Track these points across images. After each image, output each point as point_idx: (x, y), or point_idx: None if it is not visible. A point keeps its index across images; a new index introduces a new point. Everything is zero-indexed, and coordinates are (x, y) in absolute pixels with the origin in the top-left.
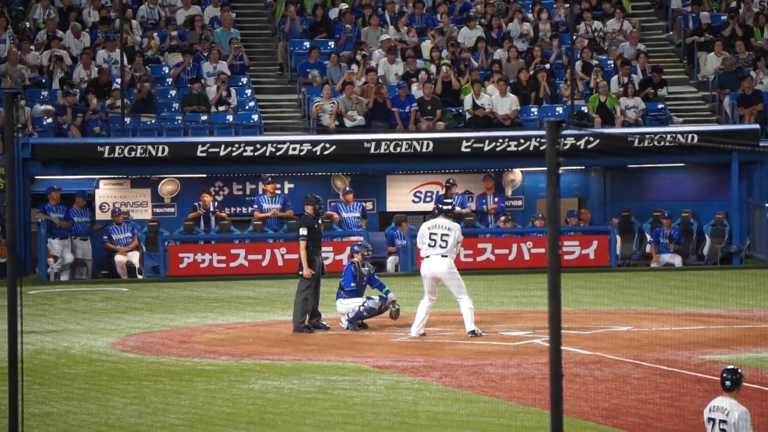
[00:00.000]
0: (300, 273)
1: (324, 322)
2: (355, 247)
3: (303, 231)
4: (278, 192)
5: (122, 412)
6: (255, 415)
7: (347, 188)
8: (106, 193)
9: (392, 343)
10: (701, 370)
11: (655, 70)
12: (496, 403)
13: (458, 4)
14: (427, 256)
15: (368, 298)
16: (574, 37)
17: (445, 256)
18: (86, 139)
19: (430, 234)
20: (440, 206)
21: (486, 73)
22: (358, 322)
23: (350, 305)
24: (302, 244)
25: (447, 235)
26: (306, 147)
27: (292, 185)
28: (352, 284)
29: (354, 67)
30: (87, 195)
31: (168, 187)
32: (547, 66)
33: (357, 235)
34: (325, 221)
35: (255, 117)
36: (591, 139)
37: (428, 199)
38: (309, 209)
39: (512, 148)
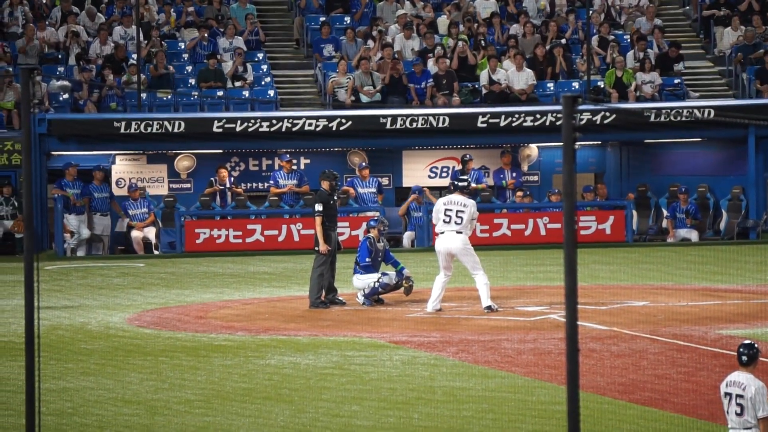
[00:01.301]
0: (316, 249)
1: (340, 298)
2: (372, 222)
3: (318, 207)
4: (294, 168)
5: (138, 387)
6: (271, 391)
7: (363, 164)
8: (123, 168)
9: (408, 319)
10: (718, 345)
11: (673, 45)
12: (513, 378)
13: None
14: (442, 232)
15: (383, 274)
16: (591, 11)
17: (460, 233)
18: (102, 114)
19: (446, 210)
20: (456, 183)
21: (502, 48)
22: (374, 297)
23: (366, 281)
24: (318, 219)
25: (462, 211)
26: (322, 122)
27: (308, 161)
28: (367, 259)
29: (370, 42)
30: (103, 170)
31: (184, 162)
32: (563, 41)
33: (373, 210)
34: (341, 197)
35: (271, 92)
36: (607, 114)
37: (444, 174)
38: (325, 185)
39: (528, 124)
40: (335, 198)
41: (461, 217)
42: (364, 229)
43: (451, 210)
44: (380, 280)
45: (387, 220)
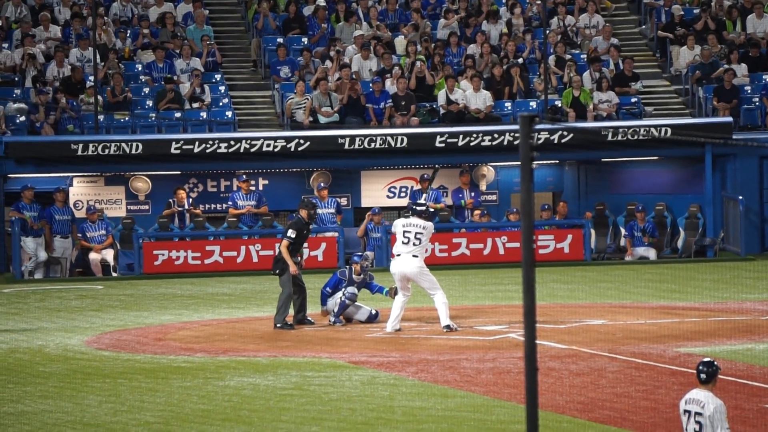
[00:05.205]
0: (276, 272)
1: (309, 318)
2: (355, 258)
3: (291, 233)
4: (252, 188)
5: (97, 410)
6: (231, 412)
7: (322, 184)
8: (80, 190)
9: (368, 339)
10: (676, 363)
11: (626, 59)
12: (472, 397)
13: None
14: (398, 255)
15: (346, 288)
16: (547, 31)
17: (416, 256)
18: (60, 137)
19: (404, 231)
20: (414, 207)
21: (459, 68)
22: (344, 315)
23: (335, 298)
24: (285, 243)
25: (421, 233)
26: (280, 143)
27: (266, 182)
28: (328, 289)
29: (328, 63)
30: (63, 192)
31: (137, 184)
32: (521, 61)
33: (332, 231)
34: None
35: (229, 114)
36: (565, 133)
37: (403, 194)
38: (303, 213)
39: (486, 143)
40: (310, 228)
41: (419, 239)
42: (351, 261)
43: (410, 232)
44: (345, 293)
45: (346, 240)
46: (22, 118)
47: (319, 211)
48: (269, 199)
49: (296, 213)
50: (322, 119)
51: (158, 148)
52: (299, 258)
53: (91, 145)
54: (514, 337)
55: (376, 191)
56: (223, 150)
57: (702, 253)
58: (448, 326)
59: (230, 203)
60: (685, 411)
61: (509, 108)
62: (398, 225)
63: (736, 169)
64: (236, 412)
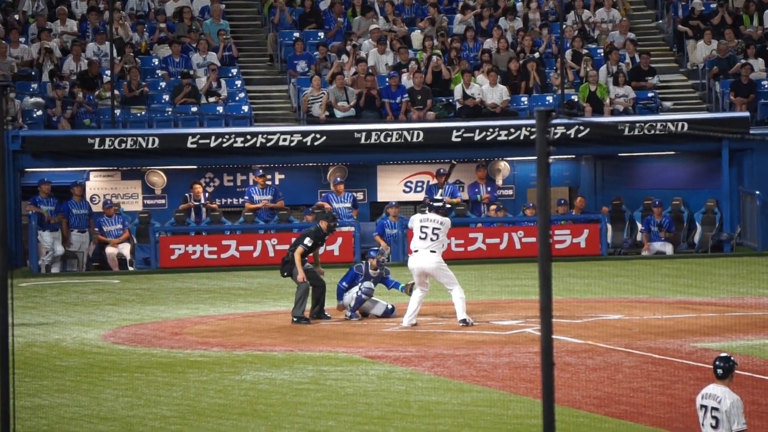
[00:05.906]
0: (284, 275)
1: (327, 313)
2: (372, 253)
3: (308, 242)
4: (269, 183)
5: (114, 404)
6: (247, 406)
7: (338, 179)
8: (97, 185)
9: (384, 333)
10: (693, 358)
11: (643, 53)
12: (488, 392)
13: None
14: (416, 251)
15: (362, 282)
16: (564, 26)
17: (434, 252)
18: (76, 131)
19: (422, 227)
20: (431, 203)
21: (476, 62)
22: (360, 310)
23: (350, 294)
24: (300, 250)
25: (438, 228)
26: (296, 138)
27: (282, 176)
28: (344, 284)
29: (344, 57)
30: (80, 186)
31: (152, 178)
32: (537, 55)
33: (348, 225)
34: (316, 212)
35: (245, 108)
36: (581, 128)
37: (419, 189)
38: (323, 224)
39: (502, 138)
40: (326, 238)
41: (437, 234)
42: (367, 256)
43: (427, 227)
44: (362, 288)
45: (362, 234)
46: (39, 113)
47: (335, 205)
48: (285, 193)
49: (313, 210)
50: (339, 114)
51: (174, 142)
52: (310, 253)
53: (107, 140)
54: (531, 332)
55: (392, 186)
56: (239, 144)
57: (719, 248)
58: (464, 320)
59: (246, 198)
60: (702, 406)
61: (525, 102)
62: (415, 221)
63: (753, 163)
64: (252, 406)
